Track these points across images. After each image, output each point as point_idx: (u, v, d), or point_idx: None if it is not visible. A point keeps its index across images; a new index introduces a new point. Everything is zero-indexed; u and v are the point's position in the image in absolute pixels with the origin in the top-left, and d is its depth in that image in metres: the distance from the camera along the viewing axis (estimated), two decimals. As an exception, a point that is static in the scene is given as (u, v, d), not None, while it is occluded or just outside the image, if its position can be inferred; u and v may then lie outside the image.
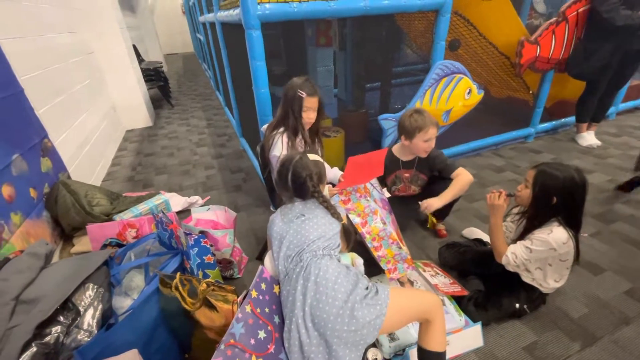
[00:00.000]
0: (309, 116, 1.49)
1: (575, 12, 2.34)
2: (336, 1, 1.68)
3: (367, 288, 0.94)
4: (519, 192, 1.24)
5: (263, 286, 1.01)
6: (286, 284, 0.99)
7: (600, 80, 2.50)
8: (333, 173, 1.58)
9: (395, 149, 1.70)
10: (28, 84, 1.81)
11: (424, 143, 1.53)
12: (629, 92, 3.17)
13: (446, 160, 1.61)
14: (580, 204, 1.13)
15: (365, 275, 1.05)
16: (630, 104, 3.32)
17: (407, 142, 1.57)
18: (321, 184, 1.15)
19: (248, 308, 0.92)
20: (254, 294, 0.96)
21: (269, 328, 0.95)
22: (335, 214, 1.11)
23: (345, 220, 1.13)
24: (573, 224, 1.15)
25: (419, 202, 1.54)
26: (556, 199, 1.12)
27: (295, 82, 1.47)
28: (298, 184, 1.10)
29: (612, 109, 3.14)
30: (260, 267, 1.06)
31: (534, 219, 1.20)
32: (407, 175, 1.70)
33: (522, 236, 1.23)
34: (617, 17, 2.16)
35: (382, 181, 1.70)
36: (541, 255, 1.16)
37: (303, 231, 1.04)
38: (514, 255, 1.20)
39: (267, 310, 0.98)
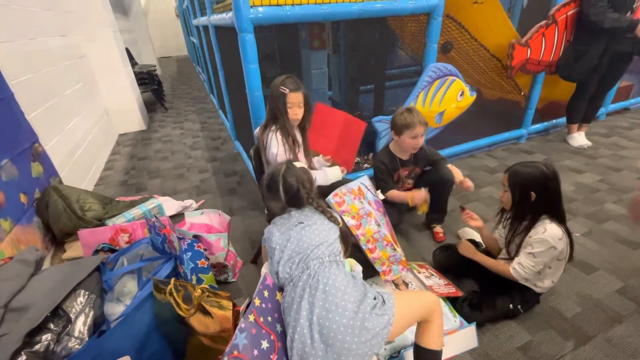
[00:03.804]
0: (294, 112, 1.47)
1: (565, 15, 2.38)
2: (329, 4, 1.69)
3: (375, 298, 0.92)
4: (501, 198, 1.28)
5: (266, 293, 0.99)
6: (290, 291, 0.95)
7: (590, 82, 2.54)
8: (333, 173, 1.57)
9: (392, 146, 1.74)
10: (18, 88, 1.78)
11: (411, 140, 1.59)
12: (618, 93, 3.23)
13: (439, 153, 1.80)
14: (555, 194, 1.17)
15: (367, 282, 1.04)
16: (619, 104, 3.37)
17: (397, 138, 1.66)
18: (313, 189, 1.13)
19: (251, 317, 0.89)
20: (257, 302, 0.94)
21: (272, 337, 0.93)
22: (332, 217, 1.09)
23: (342, 224, 1.11)
24: (558, 216, 1.18)
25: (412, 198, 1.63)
26: (534, 194, 1.16)
27: (278, 80, 1.46)
28: (291, 194, 1.08)
29: (602, 110, 3.19)
30: (264, 273, 1.03)
31: (517, 217, 1.24)
32: (405, 173, 1.76)
33: (510, 236, 1.26)
34: (604, 20, 2.20)
35: (389, 181, 1.73)
36: (545, 257, 1.17)
37: (305, 238, 1.01)
38: (520, 265, 1.21)
39: (269, 318, 0.96)
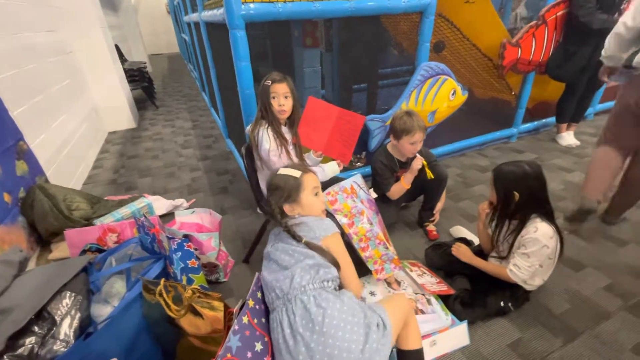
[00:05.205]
0: (279, 103, 1.45)
1: (554, 16, 2.41)
2: (321, 2, 1.68)
3: (377, 325, 0.86)
4: (490, 197, 1.29)
5: (259, 295, 0.97)
6: (276, 325, 0.88)
7: (579, 82, 2.57)
8: (330, 168, 1.57)
9: (390, 148, 1.74)
10: (2, 84, 1.73)
11: (410, 145, 1.59)
12: (606, 93, 3.28)
13: (433, 154, 1.78)
14: (539, 193, 1.18)
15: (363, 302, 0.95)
16: (607, 104, 3.43)
17: (395, 142, 1.65)
18: (288, 204, 1.03)
19: (245, 319, 0.87)
20: (250, 303, 0.92)
21: (266, 339, 0.91)
22: (297, 236, 0.96)
23: (317, 247, 0.96)
24: (546, 215, 1.19)
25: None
26: (517, 193, 1.17)
27: (265, 77, 1.48)
28: (268, 209, 1.01)
29: (590, 110, 3.24)
30: (257, 274, 1.01)
31: (503, 216, 1.25)
32: (403, 174, 1.74)
33: (497, 235, 1.28)
34: (593, 21, 2.24)
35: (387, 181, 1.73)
36: (539, 256, 1.17)
37: (279, 261, 0.95)
38: (517, 267, 1.21)
39: (263, 320, 0.94)
